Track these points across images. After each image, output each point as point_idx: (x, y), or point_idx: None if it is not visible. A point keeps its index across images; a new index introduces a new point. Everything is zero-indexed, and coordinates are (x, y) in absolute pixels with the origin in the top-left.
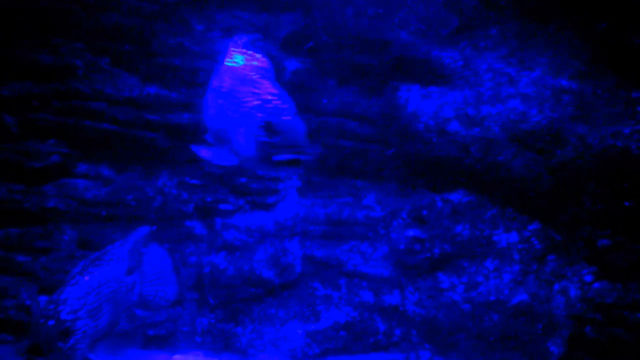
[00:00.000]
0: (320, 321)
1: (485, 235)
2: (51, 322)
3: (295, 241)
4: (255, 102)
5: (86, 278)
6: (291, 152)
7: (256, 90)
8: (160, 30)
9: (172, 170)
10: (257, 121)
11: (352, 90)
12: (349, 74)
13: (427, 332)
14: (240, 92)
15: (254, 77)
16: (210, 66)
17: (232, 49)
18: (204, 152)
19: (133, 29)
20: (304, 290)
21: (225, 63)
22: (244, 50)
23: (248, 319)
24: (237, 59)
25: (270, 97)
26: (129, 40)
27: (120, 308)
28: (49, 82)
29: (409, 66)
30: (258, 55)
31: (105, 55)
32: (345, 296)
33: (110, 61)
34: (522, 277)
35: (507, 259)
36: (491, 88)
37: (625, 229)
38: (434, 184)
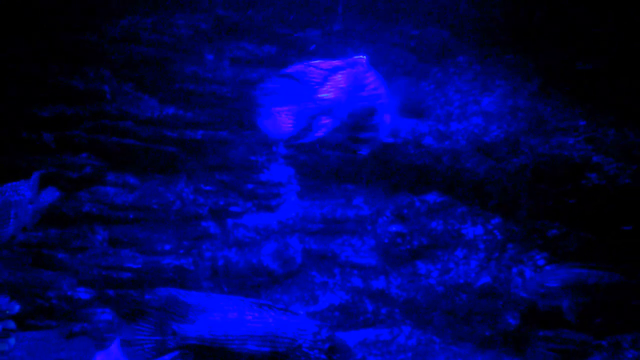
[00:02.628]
0: (318, 304)
1: (455, 229)
2: None
3: (296, 237)
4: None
5: None
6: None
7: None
8: (176, 60)
9: (189, 178)
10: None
11: None
12: None
13: (408, 310)
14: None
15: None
16: (221, 90)
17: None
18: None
19: (153, 58)
20: (303, 278)
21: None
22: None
23: None
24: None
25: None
26: (150, 68)
27: None
28: (81, 104)
29: None
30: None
31: (129, 81)
32: (339, 282)
33: (134, 86)
34: (486, 263)
35: (474, 248)
36: (459, 107)
37: (570, 221)
38: (413, 187)
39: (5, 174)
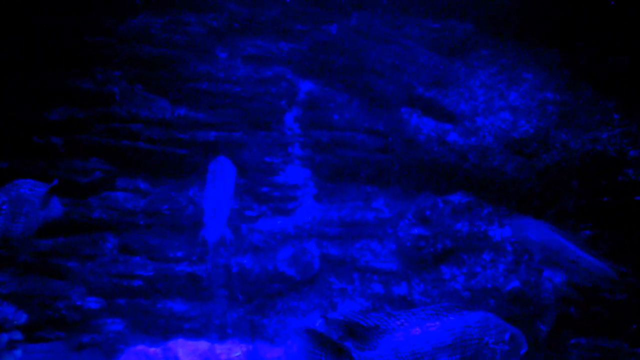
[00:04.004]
0: (337, 311)
1: (482, 230)
2: None
3: (313, 242)
4: None
5: None
6: None
7: None
8: (188, 59)
9: (202, 182)
10: None
11: (361, 106)
12: (357, 92)
13: None
14: None
15: None
16: (234, 90)
17: None
18: None
19: (164, 59)
20: (322, 284)
21: None
22: None
23: (273, 311)
24: None
25: None
26: (160, 68)
27: None
28: (90, 107)
29: None
30: None
31: (139, 82)
32: (358, 289)
33: (144, 87)
34: (515, 267)
35: (502, 251)
36: (484, 102)
37: (604, 221)
38: (436, 188)
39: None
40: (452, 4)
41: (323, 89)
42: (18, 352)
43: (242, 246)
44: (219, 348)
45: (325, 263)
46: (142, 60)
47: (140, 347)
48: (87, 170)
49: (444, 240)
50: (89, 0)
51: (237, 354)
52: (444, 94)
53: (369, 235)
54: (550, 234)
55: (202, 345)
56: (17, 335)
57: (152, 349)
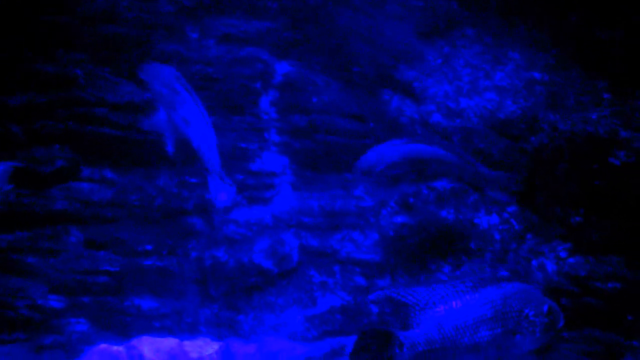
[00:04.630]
0: (317, 306)
1: (468, 218)
2: None
3: (292, 232)
4: None
5: None
6: None
7: None
8: (157, 40)
9: (172, 170)
10: None
11: (340, 88)
12: (337, 74)
13: None
14: None
15: None
16: (206, 71)
17: None
18: None
19: (131, 39)
20: (301, 278)
21: None
22: None
23: (249, 307)
24: None
25: None
26: (128, 49)
27: None
28: (52, 91)
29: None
30: None
31: (105, 64)
32: (340, 282)
33: (110, 70)
34: (503, 256)
35: (489, 239)
36: (469, 82)
37: (596, 207)
38: (420, 173)
39: None
40: None
41: (301, 71)
42: None
43: (216, 238)
44: (189, 345)
45: (304, 255)
46: (107, 42)
47: (103, 346)
48: (49, 159)
49: (428, 229)
50: None
51: (209, 352)
52: (427, 74)
53: (351, 225)
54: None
55: (170, 342)
56: None
57: (115, 348)
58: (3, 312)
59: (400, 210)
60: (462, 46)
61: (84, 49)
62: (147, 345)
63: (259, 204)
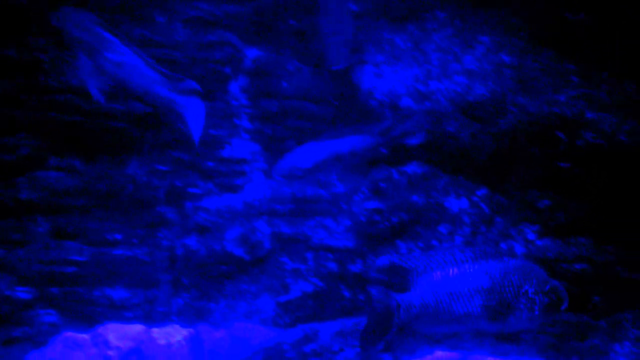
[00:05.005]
0: (289, 293)
1: (438, 202)
2: None
3: (263, 220)
4: None
5: None
6: None
7: None
8: (123, 24)
9: (141, 158)
10: None
11: (311, 73)
12: (307, 59)
13: None
14: None
15: None
16: (174, 55)
17: None
18: None
19: None
20: (273, 265)
21: None
22: None
23: (221, 295)
24: None
25: None
26: None
27: None
28: (15, 77)
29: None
30: None
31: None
32: (312, 268)
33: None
34: (472, 239)
35: (459, 223)
36: (439, 66)
37: (564, 189)
38: (391, 158)
39: None
40: None
41: (271, 56)
42: None
43: (187, 226)
44: (157, 332)
45: (276, 242)
46: None
47: (68, 334)
48: (14, 147)
49: (399, 214)
50: None
51: (178, 338)
52: (397, 57)
53: (323, 212)
54: None
55: (136, 328)
56: None
57: (81, 335)
58: None
59: (372, 196)
60: (432, 30)
61: (47, 33)
62: (113, 332)
63: (230, 191)
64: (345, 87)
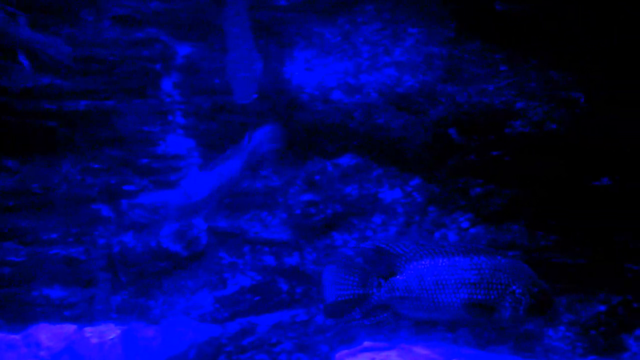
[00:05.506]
0: (227, 287)
1: (372, 193)
2: None
3: (200, 215)
4: None
5: None
6: None
7: None
8: (50, 23)
9: (75, 156)
10: None
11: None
12: None
13: None
14: None
15: None
16: (102, 54)
17: None
18: None
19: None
20: (210, 260)
21: None
22: None
23: (160, 291)
24: None
25: None
26: None
27: None
28: None
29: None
30: None
31: None
32: (249, 262)
33: (2, 55)
34: (406, 229)
35: (393, 213)
36: (369, 58)
37: (495, 177)
38: (325, 150)
39: None
40: None
41: (202, 52)
42: None
43: (123, 223)
44: (90, 331)
45: (213, 237)
46: None
47: (0, 335)
48: None
49: (334, 206)
50: None
51: (112, 336)
52: (327, 51)
53: (259, 205)
54: None
55: (68, 328)
56: None
57: (12, 336)
58: None
59: (307, 189)
60: (361, 22)
61: None
62: (45, 332)
63: (166, 187)
64: (277, 81)
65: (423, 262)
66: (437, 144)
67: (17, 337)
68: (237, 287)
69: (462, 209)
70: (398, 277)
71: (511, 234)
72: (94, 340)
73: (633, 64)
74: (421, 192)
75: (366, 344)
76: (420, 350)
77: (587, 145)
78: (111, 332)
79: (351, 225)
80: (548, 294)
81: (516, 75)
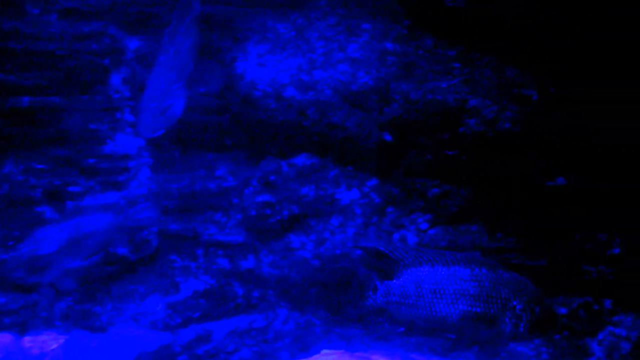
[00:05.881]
0: (180, 292)
1: (329, 194)
2: None
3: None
4: None
5: None
6: None
7: None
8: None
9: (17, 156)
10: None
11: (196, 62)
12: None
13: (283, 291)
14: None
15: None
16: (48, 48)
17: None
18: None
19: None
20: (162, 264)
21: None
22: None
23: (108, 297)
24: None
25: None
26: None
27: None
28: None
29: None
30: None
31: None
32: (203, 265)
33: None
34: (364, 230)
35: (350, 214)
36: (323, 54)
37: (451, 177)
38: (281, 150)
39: None
40: None
41: (153, 46)
42: None
43: (69, 226)
44: (30, 341)
45: (165, 240)
46: None
47: None
48: None
49: (290, 207)
50: None
51: (53, 346)
52: (280, 47)
53: (213, 207)
54: None
55: (5, 338)
56: None
57: None
58: None
59: (263, 189)
60: (315, 18)
61: None
62: None
63: (114, 188)
64: (229, 77)
65: (422, 269)
66: (392, 143)
67: None
68: (190, 292)
69: (421, 210)
70: (395, 281)
71: (470, 235)
72: (35, 351)
73: (587, 61)
74: (379, 193)
75: (324, 352)
76: (378, 359)
77: (542, 145)
78: (53, 341)
79: (308, 226)
80: (551, 313)
81: (470, 73)
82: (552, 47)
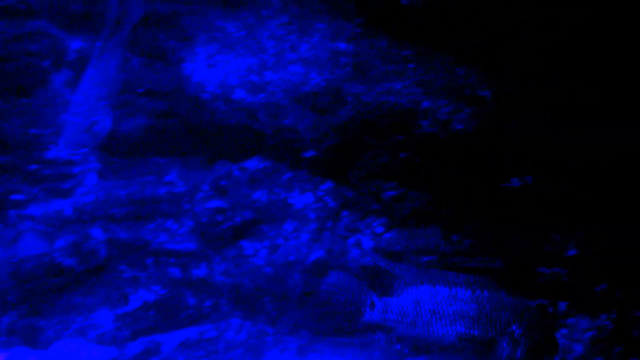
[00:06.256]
0: (129, 303)
1: (282, 199)
2: None
3: (98, 225)
4: None
5: None
6: None
7: None
8: None
9: None
10: None
11: (141, 64)
12: (137, 48)
13: (236, 299)
14: None
15: None
16: None
17: None
18: None
19: None
20: (110, 274)
21: None
22: None
23: (53, 310)
24: None
25: None
26: None
27: None
28: None
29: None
30: None
31: None
32: (153, 275)
33: None
34: (319, 235)
35: (304, 219)
36: (274, 55)
37: (406, 180)
38: (232, 154)
39: None
40: None
41: (96, 47)
42: None
43: (11, 237)
44: None
45: (113, 249)
46: None
47: None
48: None
49: (242, 212)
50: None
51: None
52: (229, 47)
53: (164, 214)
54: None
55: None
56: None
57: None
58: None
59: (214, 195)
60: (267, 17)
61: None
62: None
63: (58, 196)
64: (177, 79)
65: (422, 288)
66: (348, 145)
67: None
68: (139, 303)
69: (376, 213)
70: (394, 299)
71: (426, 239)
72: None
73: (542, 61)
74: (333, 197)
75: None
76: None
77: (496, 146)
78: None
79: (261, 233)
80: (551, 340)
81: (424, 74)
82: (507, 47)
